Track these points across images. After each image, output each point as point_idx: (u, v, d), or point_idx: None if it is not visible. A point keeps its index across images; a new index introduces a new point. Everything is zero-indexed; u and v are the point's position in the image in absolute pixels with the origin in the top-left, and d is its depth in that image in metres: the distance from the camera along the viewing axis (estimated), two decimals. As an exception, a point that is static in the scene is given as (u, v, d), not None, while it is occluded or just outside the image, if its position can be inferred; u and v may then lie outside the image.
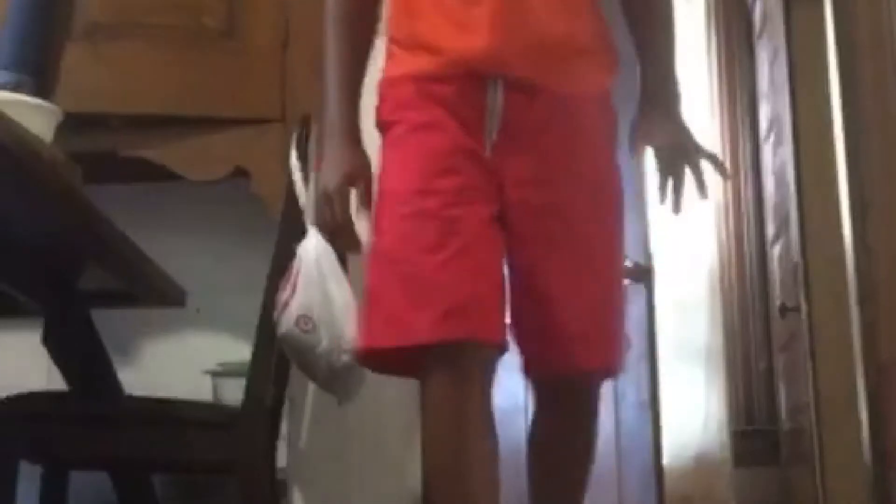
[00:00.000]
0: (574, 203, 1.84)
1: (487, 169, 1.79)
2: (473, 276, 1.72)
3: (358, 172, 1.87)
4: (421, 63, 1.85)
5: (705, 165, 1.90)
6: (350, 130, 1.89)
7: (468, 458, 1.71)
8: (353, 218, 1.88)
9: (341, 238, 1.91)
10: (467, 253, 1.73)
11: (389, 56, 1.92)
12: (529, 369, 1.88)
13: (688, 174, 1.90)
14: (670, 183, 1.90)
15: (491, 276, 1.76)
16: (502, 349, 1.77)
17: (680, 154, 1.87)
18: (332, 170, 1.87)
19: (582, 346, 1.83)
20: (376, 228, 1.82)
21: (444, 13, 1.83)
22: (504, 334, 1.77)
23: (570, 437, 1.92)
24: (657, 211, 4.06)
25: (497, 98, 1.80)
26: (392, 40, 1.93)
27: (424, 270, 1.71)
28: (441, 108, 1.81)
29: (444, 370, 1.69)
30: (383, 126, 1.89)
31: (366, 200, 1.87)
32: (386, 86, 1.91)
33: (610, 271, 1.90)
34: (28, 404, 2.13)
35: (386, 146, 1.88)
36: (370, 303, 1.78)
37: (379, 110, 1.91)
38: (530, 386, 1.93)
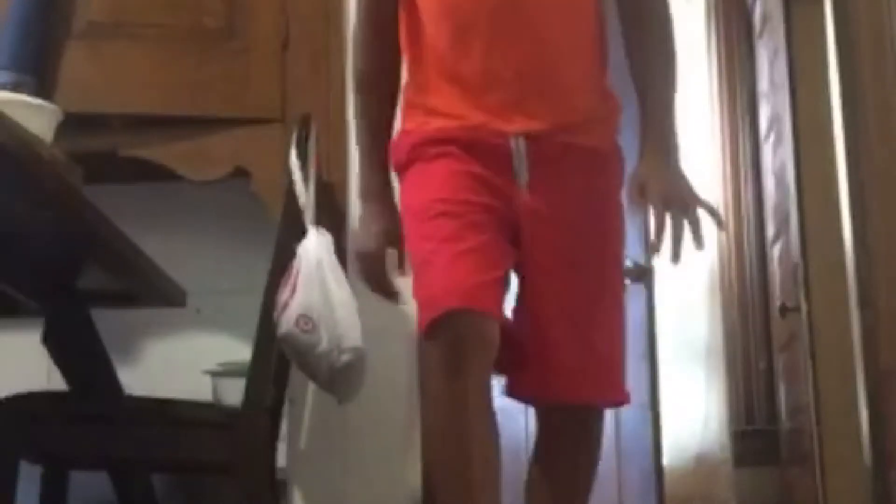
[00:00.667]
0: (588, 243, 1.91)
1: (509, 203, 1.85)
2: (482, 270, 1.76)
3: (392, 234, 1.95)
4: (440, 123, 1.90)
5: (703, 215, 1.90)
6: (382, 193, 1.99)
7: (469, 443, 1.73)
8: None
9: (381, 293, 2.00)
10: (479, 251, 1.77)
11: (405, 115, 1.98)
12: (532, 398, 1.92)
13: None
14: (668, 233, 1.90)
15: (497, 274, 1.79)
16: (499, 326, 1.78)
17: (677, 205, 1.87)
18: (366, 231, 1.98)
19: (584, 379, 1.88)
20: (407, 241, 1.88)
21: (461, 92, 1.89)
22: (502, 314, 1.79)
23: (572, 457, 1.94)
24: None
25: (520, 144, 1.86)
26: (407, 102, 1.98)
27: (441, 260, 1.76)
28: (460, 147, 1.86)
29: (443, 340, 1.71)
30: (402, 167, 1.94)
31: (400, 260, 1.96)
32: (402, 135, 1.96)
33: (614, 310, 1.96)
34: (28, 404, 2.13)
35: (407, 177, 1.92)
36: (417, 303, 1.81)
37: (396, 154, 1.96)
38: (535, 413, 1.96)
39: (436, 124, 1.89)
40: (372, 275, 1.97)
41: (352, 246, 2.04)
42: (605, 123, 1.97)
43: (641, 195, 1.87)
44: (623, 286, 2.01)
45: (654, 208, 1.86)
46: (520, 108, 1.86)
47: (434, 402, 1.75)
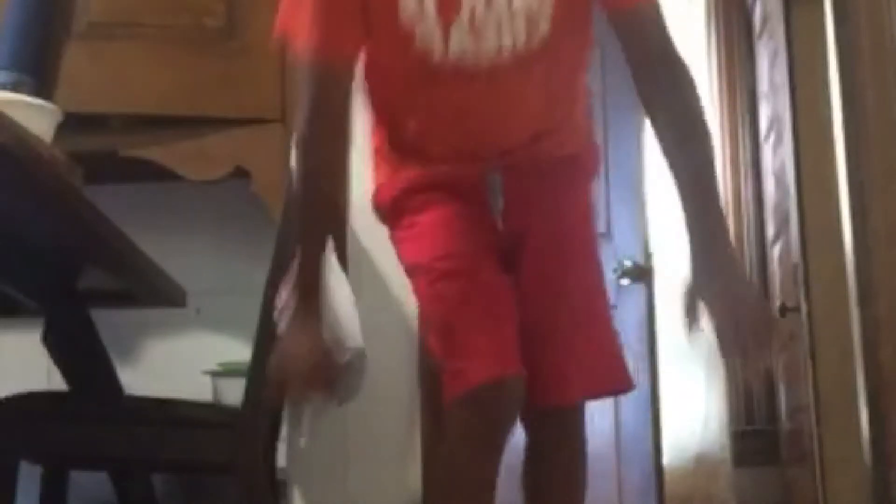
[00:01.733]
0: (565, 242, 1.91)
1: (495, 231, 1.89)
2: (499, 329, 1.77)
3: (325, 340, 1.82)
4: (415, 172, 1.90)
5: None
6: (319, 291, 1.86)
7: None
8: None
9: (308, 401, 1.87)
10: (492, 308, 1.78)
11: (377, 167, 1.97)
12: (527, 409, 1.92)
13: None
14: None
15: (511, 328, 1.80)
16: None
17: (740, 315, 1.65)
18: (304, 329, 1.81)
19: (588, 376, 1.88)
20: (417, 299, 1.88)
21: (429, 163, 1.89)
22: (521, 367, 1.79)
23: (564, 460, 1.95)
24: (657, 210, 4.06)
25: (496, 178, 1.89)
26: (375, 162, 1.97)
27: (460, 326, 1.76)
28: (440, 189, 1.87)
29: (475, 412, 1.72)
30: (388, 216, 1.95)
31: (323, 379, 1.83)
32: (380, 187, 1.95)
33: (603, 299, 1.96)
34: (28, 404, 2.13)
35: (399, 230, 1.93)
36: (441, 363, 1.81)
37: (379, 203, 1.96)
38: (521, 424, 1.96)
39: (410, 173, 1.91)
40: (310, 380, 1.80)
41: (282, 345, 1.83)
42: (577, 132, 1.97)
43: (699, 316, 1.67)
44: (601, 273, 2.00)
45: (715, 322, 1.65)
46: (493, 165, 1.89)
47: (454, 470, 1.77)
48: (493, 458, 1.75)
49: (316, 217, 1.88)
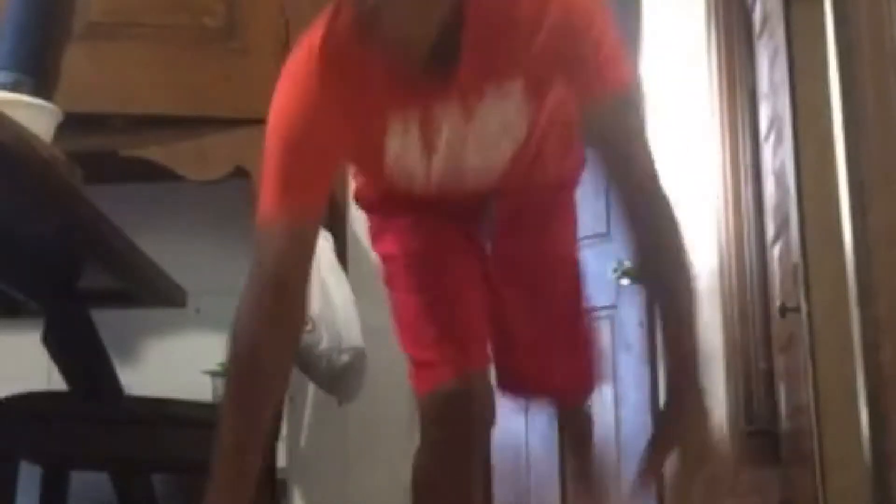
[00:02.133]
0: (551, 253, 1.95)
1: (477, 243, 1.90)
2: (472, 321, 1.79)
3: None
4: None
5: None
6: None
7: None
8: None
9: None
10: (459, 304, 1.80)
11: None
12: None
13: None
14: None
15: (478, 320, 1.82)
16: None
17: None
18: None
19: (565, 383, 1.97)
20: (388, 285, 1.89)
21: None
22: (489, 359, 1.83)
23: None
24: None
25: (490, 205, 1.89)
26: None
27: (425, 323, 1.78)
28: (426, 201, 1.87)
29: (445, 409, 1.73)
30: (372, 208, 1.95)
31: None
32: (362, 184, 1.96)
33: (575, 312, 2.00)
34: (28, 404, 2.13)
35: (375, 220, 1.94)
36: (409, 355, 1.83)
37: (363, 196, 1.96)
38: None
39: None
40: None
41: None
42: (569, 131, 1.96)
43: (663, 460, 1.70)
44: (579, 271, 2.02)
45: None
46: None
47: (429, 468, 1.78)
48: (469, 451, 1.76)
49: (252, 422, 1.62)
